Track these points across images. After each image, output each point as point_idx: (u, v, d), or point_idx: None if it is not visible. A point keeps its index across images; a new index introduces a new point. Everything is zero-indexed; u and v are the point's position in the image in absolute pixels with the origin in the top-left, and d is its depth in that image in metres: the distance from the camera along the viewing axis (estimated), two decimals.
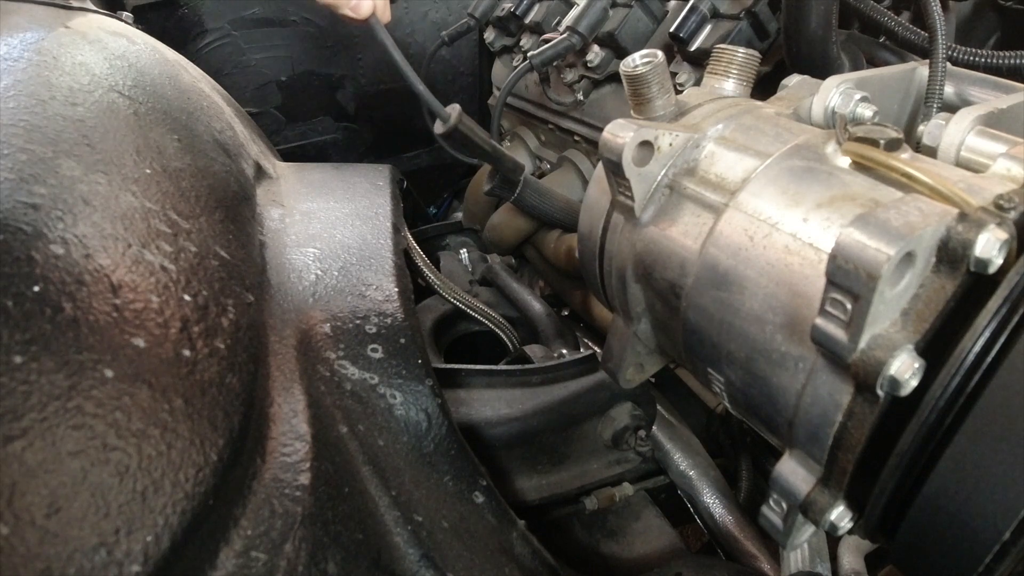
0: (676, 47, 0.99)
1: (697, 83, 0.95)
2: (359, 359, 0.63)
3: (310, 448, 0.53)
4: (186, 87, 0.77)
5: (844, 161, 0.49)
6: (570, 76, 1.16)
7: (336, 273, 0.69)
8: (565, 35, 1.10)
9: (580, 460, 0.89)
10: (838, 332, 0.38)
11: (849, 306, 0.37)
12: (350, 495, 0.54)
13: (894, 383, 0.37)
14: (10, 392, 0.37)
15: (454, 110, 0.95)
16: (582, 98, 1.17)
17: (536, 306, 1.15)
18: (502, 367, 0.92)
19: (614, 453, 0.90)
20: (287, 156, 0.98)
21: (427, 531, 0.57)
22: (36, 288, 0.41)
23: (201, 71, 0.92)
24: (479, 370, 0.86)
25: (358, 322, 0.65)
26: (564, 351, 1.03)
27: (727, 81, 0.65)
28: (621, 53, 1.08)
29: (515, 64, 1.32)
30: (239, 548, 0.45)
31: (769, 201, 0.50)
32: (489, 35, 1.40)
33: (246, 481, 0.48)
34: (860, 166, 0.47)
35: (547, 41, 1.12)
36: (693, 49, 0.95)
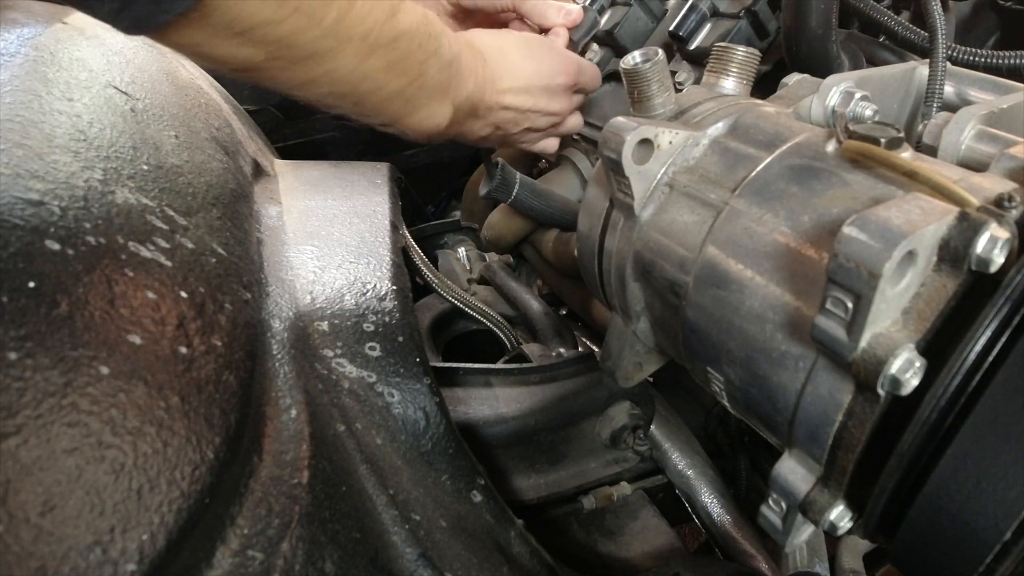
0: (675, 45, 0.99)
1: (697, 82, 0.95)
2: (357, 357, 0.63)
3: (307, 446, 0.53)
4: (184, 84, 0.77)
5: (844, 160, 0.49)
6: None
7: (334, 271, 0.69)
8: None
9: (578, 459, 0.88)
10: (839, 331, 0.38)
11: (850, 305, 0.37)
12: (347, 494, 0.54)
13: (895, 382, 0.37)
14: (4, 389, 0.37)
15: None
16: None
17: (534, 305, 1.14)
18: (500, 366, 0.92)
19: (612, 452, 0.90)
20: (285, 154, 0.97)
21: (425, 530, 0.56)
22: (31, 284, 0.41)
23: (199, 68, 0.92)
24: (477, 369, 0.86)
25: (356, 320, 0.65)
26: (562, 350, 1.03)
27: (727, 80, 0.65)
28: (620, 51, 1.07)
29: None
30: (236, 547, 0.45)
31: (769, 199, 0.50)
32: None
33: (243, 479, 0.48)
34: (860, 165, 0.47)
35: None
36: (693, 48, 0.95)
